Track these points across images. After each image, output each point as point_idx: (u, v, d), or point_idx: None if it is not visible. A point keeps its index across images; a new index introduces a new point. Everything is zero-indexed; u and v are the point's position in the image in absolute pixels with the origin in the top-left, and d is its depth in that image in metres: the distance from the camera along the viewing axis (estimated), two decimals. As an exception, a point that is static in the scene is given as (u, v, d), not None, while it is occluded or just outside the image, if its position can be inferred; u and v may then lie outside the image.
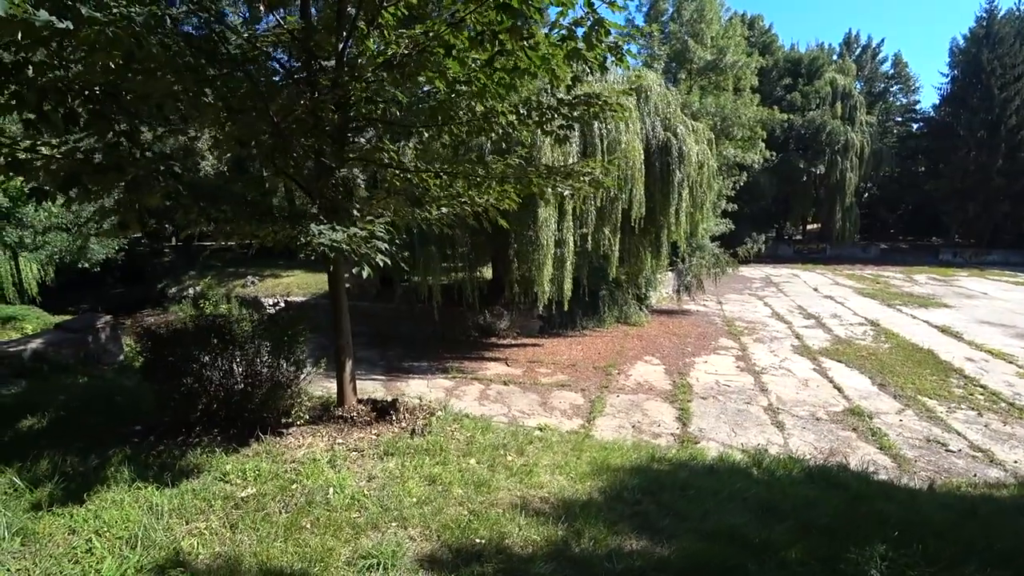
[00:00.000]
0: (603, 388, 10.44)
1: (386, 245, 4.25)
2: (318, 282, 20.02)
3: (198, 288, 21.64)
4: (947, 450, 8.08)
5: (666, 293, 19.33)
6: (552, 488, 4.48)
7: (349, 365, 6.28)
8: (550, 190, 5.49)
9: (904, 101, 48.07)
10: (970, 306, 19.97)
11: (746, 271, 28.50)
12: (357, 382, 10.75)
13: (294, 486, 4.37)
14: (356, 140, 5.87)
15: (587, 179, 5.74)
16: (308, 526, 3.80)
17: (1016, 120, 34.11)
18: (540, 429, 7.93)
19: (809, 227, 44.97)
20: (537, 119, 5.25)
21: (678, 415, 9.16)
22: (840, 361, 12.44)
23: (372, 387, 10.38)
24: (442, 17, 3.79)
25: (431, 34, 3.93)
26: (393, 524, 3.79)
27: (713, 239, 19.84)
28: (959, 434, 8.63)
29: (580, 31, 4.21)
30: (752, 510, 4.22)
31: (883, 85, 47.78)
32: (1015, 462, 7.70)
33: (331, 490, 4.28)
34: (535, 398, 9.94)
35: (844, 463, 6.96)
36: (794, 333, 15.21)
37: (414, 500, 4.13)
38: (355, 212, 5.28)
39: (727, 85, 22.83)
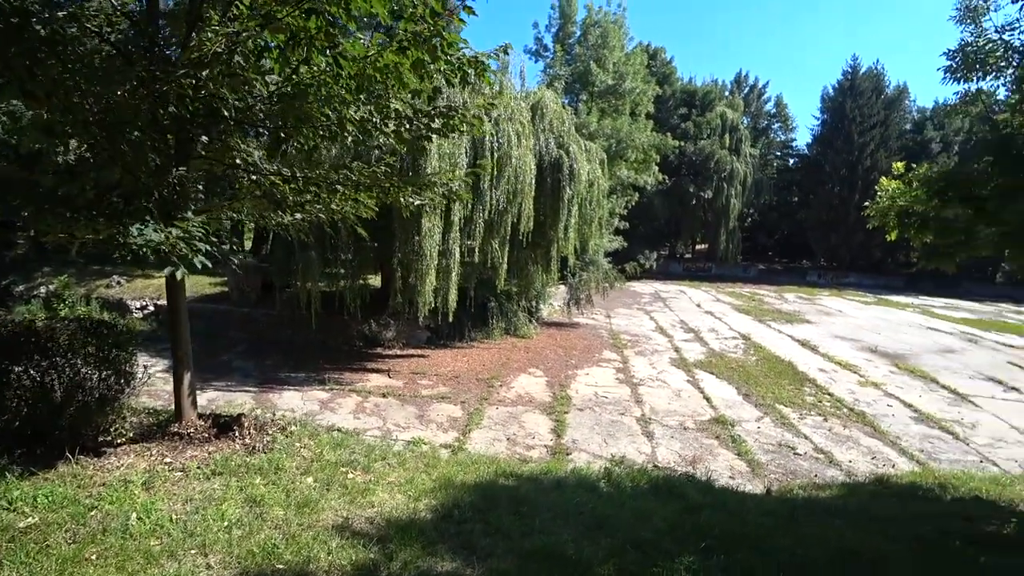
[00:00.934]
0: (483, 400, 10.42)
1: (207, 246, 3.94)
2: (196, 283, 18.59)
3: (52, 287, 19.32)
4: (795, 453, 8.81)
5: (557, 306, 19.77)
6: (385, 507, 4.33)
7: (187, 378, 5.78)
8: (403, 199, 5.37)
9: (783, 138, 52.91)
10: (828, 322, 22.15)
11: (638, 286, 29.90)
12: (226, 394, 10.11)
13: (92, 512, 3.92)
14: (200, 138, 5.44)
15: (442, 190, 5.68)
16: (93, 558, 3.39)
17: (870, 162, 38.65)
18: (412, 443, 7.80)
19: (698, 247, 48.14)
20: (395, 128, 5.13)
21: (554, 427, 9.31)
22: (712, 373, 13.26)
23: (241, 399, 9.73)
24: (254, 17, 3.59)
25: (244, 33, 3.72)
26: (193, 551, 3.48)
27: (607, 255, 20.60)
28: (806, 438, 9.45)
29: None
30: (584, 525, 4.29)
31: (766, 122, 52.30)
32: (850, 461, 8.58)
33: (134, 516, 3.87)
34: (413, 411, 9.73)
35: (691, 473, 7.37)
36: (674, 346, 16.06)
37: (225, 524, 3.82)
38: (190, 213, 4.88)
39: (625, 109, 23.92)
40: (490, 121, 11.67)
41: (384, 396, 10.40)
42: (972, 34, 7.44)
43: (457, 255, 11.56)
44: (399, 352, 13.69)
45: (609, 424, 9.55)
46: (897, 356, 16.33)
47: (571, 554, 3.66)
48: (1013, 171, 7.23)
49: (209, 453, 5.24)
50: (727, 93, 46.10)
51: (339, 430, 7.88)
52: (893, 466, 8.47)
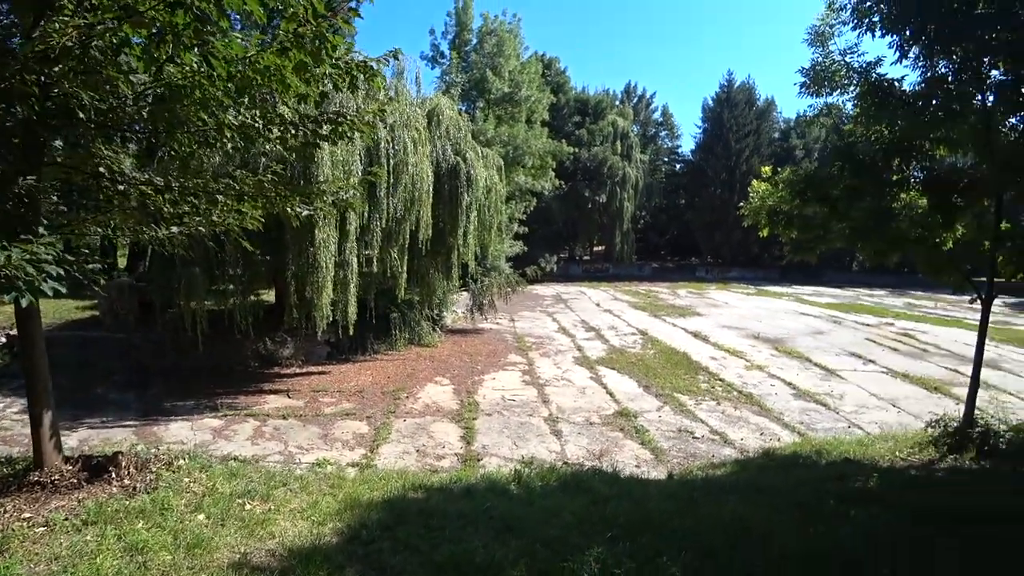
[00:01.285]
0: (390, 413, 10.15)
1: (58, 269, 3.50)
2: (60, 308, 16.56)
3: None
4: (693, 437, 9.40)
5: (461, 313, 19.75)
6: (287, 537, 4.07)
7: (48, 417, 5.11)
8: (291, 210, 5.11)
9: (670, 145, 56.61)
10: (716, 314, 23.92)
11: (540, 289, 30.59)
12: (102, 432, 9.04)
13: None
14: (54, 142, 4.86)
15: (332, 199, 5.48)
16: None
17: (746, 167, 42.35)
18: (317, 465, 7.43)
19: (596, 248, 50.17)
20: (280, 134, 4.87)
21: (463, 434, 9.26)
22: (614, 368, 13.83)
23: (120, 436, 8.76)
24: (113, 8, 3.27)
25: (100, 25, 3.37)
26: (61, 618, 3.07)
27: (508, 259, 20.86)
28: (703, 422, 10.12)
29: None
30: (494, 529, 4.30)
31: (654, 130, 55.68)
32: (742, 439, 9.32)
33: (-18, 587, 3.35)
34: (316, 431, 9.26)
35: (598, 466, 7.63)
36: (577, 346, 16.58)
37: (100, 580, 3.41)
38: (42, 230, 4.32)
39: (521, 117, 24.39)
40: (386, 127, 11.44)
41: (284, 418, 9.81)
42: (821, 55, 8.43)
43: (355, 265, 11.18)
44: (298, 370, 13.00)
45: (518, 426, 9.66)
46: (776, 340, 17.96)
47: (481, 560, 3.65)
48: (857, 174, 8.23)
49: (79, 501, 4.65)
50: (618, 102, 48.47)
51: (235, 459, 7.37)
52: (778, 439, 9.31)
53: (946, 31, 6.92)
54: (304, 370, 12.98)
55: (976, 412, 8.00)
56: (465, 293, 19.11)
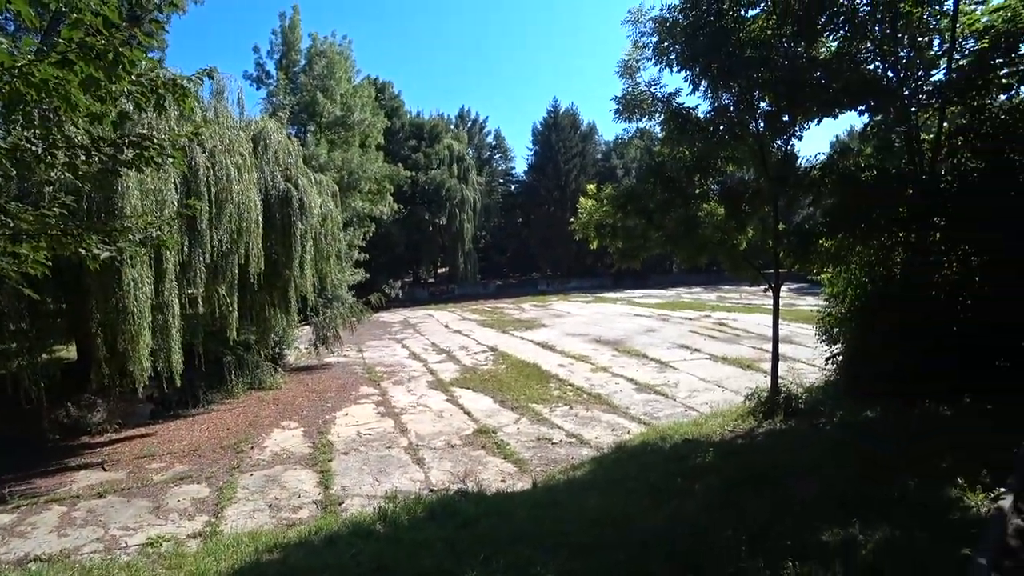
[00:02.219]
0: (233, 469, 9.07)
1: None
2: None
3: None
4: (552, 443, 9.73)
5: (304, 349, 18.55)
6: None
7: None
8: (86, 251, 4.36)
9: (504, 167, 59.08)
10: (560, 323, 25.27)
11: (387, 316, 29.88)
12: None
13: None
14: None
15: (140, 236, 4.81)
16: None
17: (575, 185, 45.84)
18: (149, 545, 6.37)
19: (440, 270, 50.41)
20: (67, 159, 4.16)
21: (319, 479, 8.59)
22: (468, 388, 13.88)
23: None
24: None
25: None
26: None
27: (351, 288, 20.03)
28: (559, 427, 10.53)
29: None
30: (362, 575, 4.03)
31: (488, 153, 57.78)
32: (596, 438, 9.85)
33: None
34: (145, 504, 7.91)
35: (464, 488, 7.57)
36: (429, 369, 16.39)
37: None
38: None
39: (355, 141, 23.71)
40: (204, 152, 10.40)
41: (101, 496, 8.22)
42: (630, 86, 9.49)
43: (176, 307, 9.91)
44: (115, 436, 11.04)
45: (378, 461, 9.24)
46: (616, 342, 19.48)
47: (354, 610, 3.39)
48: (667, 189, 9.34)
49: None
50: (452, 127, 49.57)
51: (37, 560, 6.06)
52: (628, 432, 10.04)
53: (726, 69, 8.21)
54: (123, 435, 11.08)
55: (780, 381, 9.50)
56: (307, 327, 17.95)
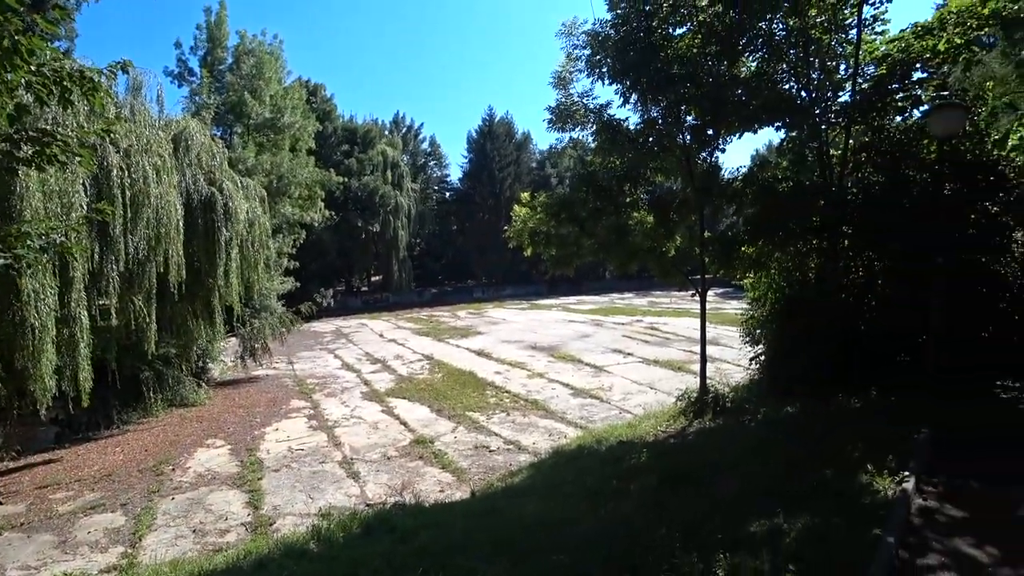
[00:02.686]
0: (153, 494, 8.45)
1: None
2: None
3: None
4: (490, 451, 9.69)
5: (230, 362, 17.61)
6: None
7: None
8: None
9: (439, 174, 58.79)
10: (496, 330, 25.31)
11: (319, 326, 28.95)
12: None
13: None
14: None
15: (40, 243, 4.44)
16: None
17: (510, 193, 46.19)
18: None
19: (374, 279, 49.42)
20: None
21: (248, 499, 8.15)
22: (404, 398, 13.63)
23: None
24: None
25: None
26: None
27: (280, 298, 19.27)
28: (497, 434, 10.50)
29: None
30: (298, 597, 3.87)
31: (424, 160, 57.34)
32: (534, 444, 9.89)
33: None
34: (49, 539, 7.20)
35: (401, 501, 7.43)
36: (363, 380, 15.98)
37: None
38: None
39: (285, 144, 22.84)
40: (118, 152, 9.72)
41: (-5, 533, 7.47)
42: (564, 96, 9.72)
43: (86, 320, 9.16)
44: (12, 464, 10.01)
45: (310, 477, 8.89)
46: (551, 348, 19.72)
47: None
48: (599, 197, 9.61)
49: None
50: (387, 132, 48.88)
51: None
52: (565, 437, 10.16)
53: (655, 83, 8.58)
54: (21, 463, 10.07)
55: (708, 382, 9.95)
56: (233, 339, 17.06)
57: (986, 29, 7.91)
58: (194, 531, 7.23)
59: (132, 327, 10.49)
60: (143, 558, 6.47)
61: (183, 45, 23.23)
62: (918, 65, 8.00)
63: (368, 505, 7.60)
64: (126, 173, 9.89)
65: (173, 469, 9.49)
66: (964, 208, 7.52)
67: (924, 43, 7.80)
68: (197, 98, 21.19)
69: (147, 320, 10.52)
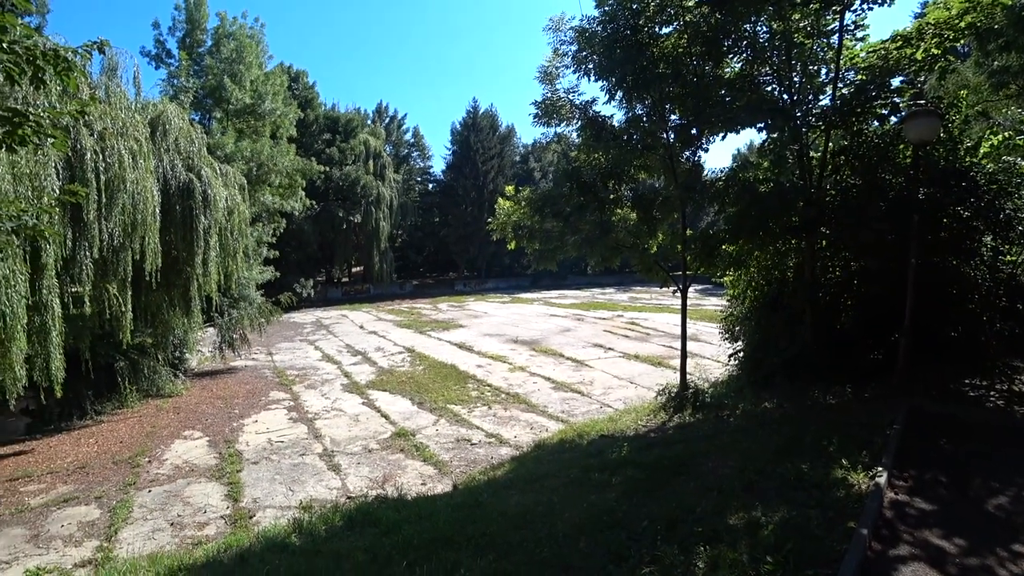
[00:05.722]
0: (128, 487, 8.32)
1: None
2: None
3: None
4: (471, 444, 9.73)
5: (208, 352, 17.37)
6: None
7: None
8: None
9: (422, 165, 58.39)
10: (477, 324, 25.32)
11: (298, 317, 28.65)
12: None
13: None
14: None
15: (11, 225, 4.34)
16: None
17: (493, 186, 46.16)
18: (28, 580, 5.68)
19: (355, 270, 48.98)
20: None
21: (227, 491, 8.09)
22: (385, 390, 13.60)
23: None
24: None
25: None
26: None
27: (259, 287, 19.01)
28: (479, 428, 10.54)
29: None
30: (279, 592, 3.86)
31: (406, 151, 56.83)
32: (515, 437, 9.95)
33: None
34: (20, 532, 7.04)
35: (383, 494, 7.43)
36: (343, 372, 15.89)
37: None
38: None
39: (265, 131, 22.43)
40: (93, 135, 9.47)
41: (-39, 528, 7.28)
42: (549, 92, 9.73)
43: (58, 308, 8.93)
44: (-21, 456, 9.82)
45: (291, 469, 8.84)
46: (533, 342, 19.82)
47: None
48: (583, 193, 9.65)
49: None
50: (369, 122, 48.33)
51: None
52: (546, 430, 10.25)
53: (639, 82, 8.63)
54: (-13, 454, 9.86)
55: (688, 377, 10.11)
56: (211, 329, 16.81)
57: (962, 40, 8.15)
58: (172, 524, 7.14)
59: (107, 316, 10.26)
60: (119, 552, 6.38)
61: (161, 25, 22.67)
62: (896, 72, 8.19)
63: (349, 498, 7.59)
64: (100, 157, 9.64)
65: (149, 461, 9.36)
66: (937, 212, 7.73)
67: (903, 51, 7.98)
68: (175, 81, 20.69)
69: (122, 309, 10.30)
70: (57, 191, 8.51)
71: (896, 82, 8.36)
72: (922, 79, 8.33)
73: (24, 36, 3.66)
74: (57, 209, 8.14)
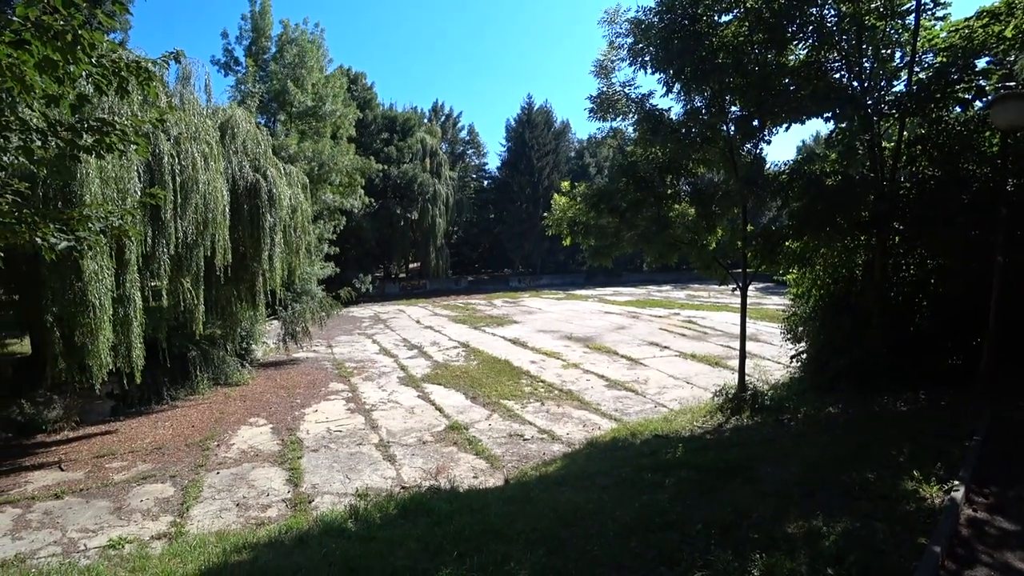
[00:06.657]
0: (199, 468, 8.85)
1: None
2: None
3: None
4: (524, 439, 9.75)
5: (272, 344, 18.19)
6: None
7: None
8: (42, 240, 4.20)
9: (477, 162, 58.95)
10: (531, 320, 25.34)
11: (357, 311, 29.53)
12: None
13: None
14: None
15: (100, 225, 4.66)
16: None
17: (548, 182, 46.03)
18: (111, 546, 6.17)
19: (411, 266, 50.05)
20: (21, 143, 4.00)
21: (289, 476, 8.46)
22: (440, 384, 13.82)
23: None
24: None
25: None
26: None
27: (320, 282, 19.74)
28: (531, 423, 10.56)
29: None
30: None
31: (462, 148, 57.56)
32: (568, 434, 9.91)
33: None
34: (105, 505, 7.63)
35: (436, 485, 7.57)
36: (400, 365, 16.27)
37: None
38: None
39: (326, 132, 23.24)
40: (169, 140, 10.09)
41: (58, 497, 7.91)
42: (605, 86, 9.58)
43: (139, 300, 9.60)
44: (72, 434, 10.65)
45: (348, 458, 9.14)
46: (587, 339, 19.65)
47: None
48: (639, 188, 9.46)
49: None
50: (426, 120, 49.20)
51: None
52: (599, 428, 10.15)
53: (698, 73, 8.37)
54: (81, 433, 10.69)
55: (747, 378, 9.76)
56: (275, 322, 17.60)
57: (1060, 14, 7.43)
58: (237, 504, 7.54)
59: (181, 308, 10.94)
60: (190, 527, 6.79)
61: (229, 35, 23.85)
62: (982, 53, 7.55)
63: (404, 488, 7.78)
64: (176, 160, 10.27)
65: (218, 445, 9.90)
66: (1028, 205, 7.11)
67: (990, 29, 7.35)
68: (242, 87, 21.71)
69: (195, 301, 10.94)
70: (139, 193, 9.14)
71: (982, 63, 7.68)
72: (1012, 59, 7.63)
73: (110, 50, 3.92)
74: (139, 210, 8.73)
